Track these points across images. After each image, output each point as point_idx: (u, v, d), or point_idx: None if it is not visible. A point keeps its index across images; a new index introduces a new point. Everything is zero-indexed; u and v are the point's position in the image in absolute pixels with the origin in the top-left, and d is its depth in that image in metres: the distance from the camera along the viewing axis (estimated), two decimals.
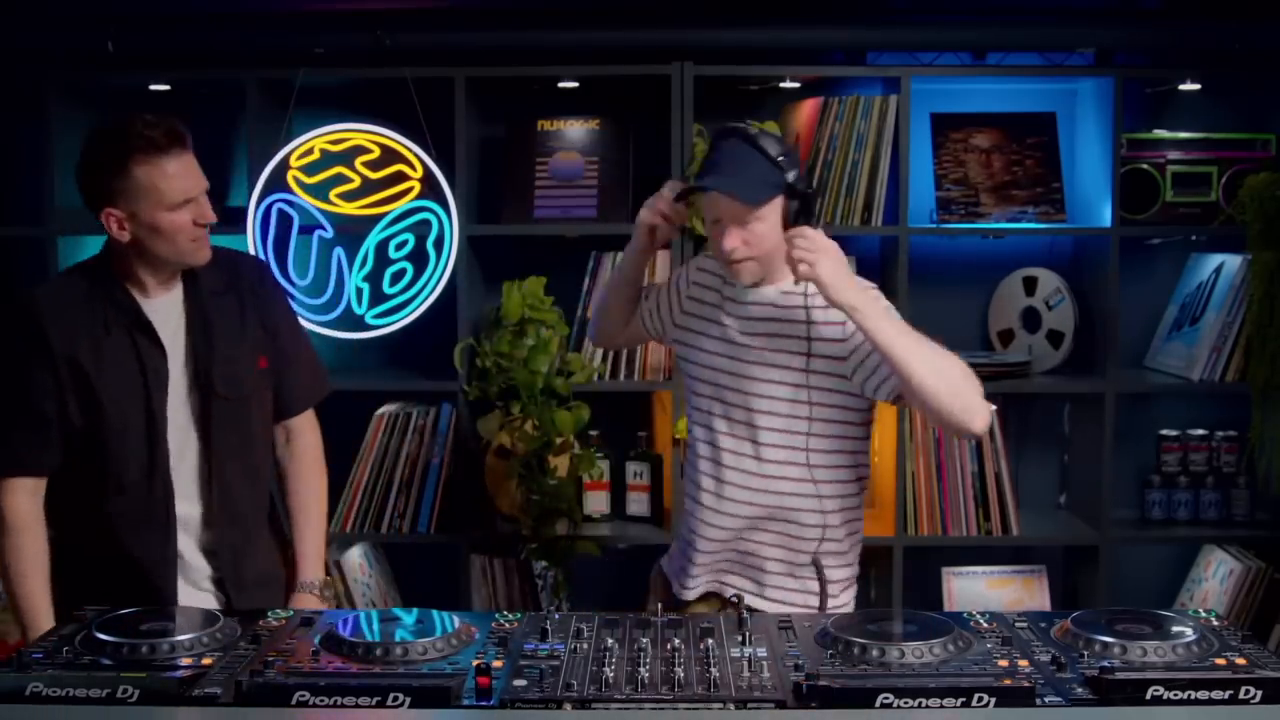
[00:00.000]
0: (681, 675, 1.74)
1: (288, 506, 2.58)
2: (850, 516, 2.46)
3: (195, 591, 2.42)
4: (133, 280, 2.35)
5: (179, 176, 2.27)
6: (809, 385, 2.34)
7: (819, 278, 2.18)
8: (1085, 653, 1.84)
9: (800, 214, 2.28)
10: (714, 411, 2.42)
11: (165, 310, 2.37)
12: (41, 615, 2.31)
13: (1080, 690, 1.71)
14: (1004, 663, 1.80)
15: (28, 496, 2.35)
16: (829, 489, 2.38)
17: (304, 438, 2.58)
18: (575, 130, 3.64)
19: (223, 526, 2.41)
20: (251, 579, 2.46)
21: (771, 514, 2.38)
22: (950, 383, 2.30)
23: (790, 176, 2.26)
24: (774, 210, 2.28)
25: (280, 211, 3.45)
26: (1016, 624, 1.99)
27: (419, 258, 3.46)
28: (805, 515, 2.38)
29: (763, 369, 2.36)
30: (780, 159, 2.26)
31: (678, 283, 2.55)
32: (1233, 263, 3.52)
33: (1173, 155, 3.54)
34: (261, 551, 2.51)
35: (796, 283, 2.25)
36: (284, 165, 3.44)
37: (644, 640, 1.88)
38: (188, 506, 2.39)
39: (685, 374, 2.52)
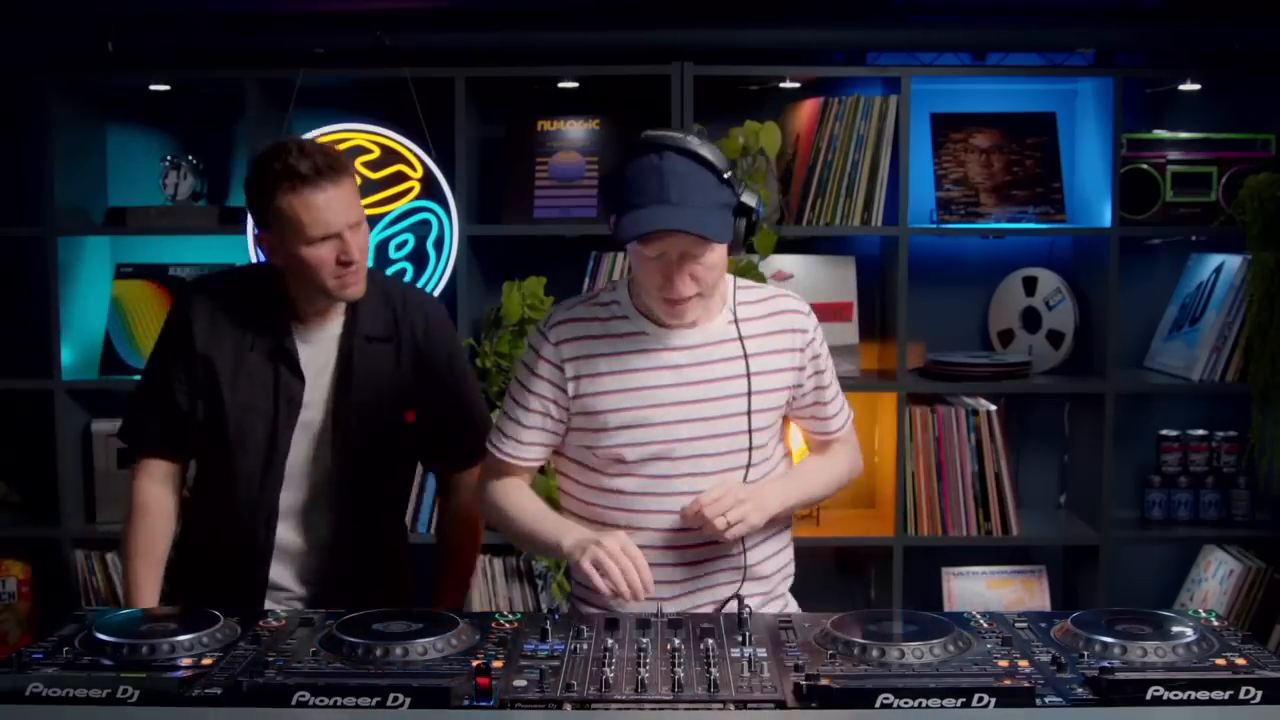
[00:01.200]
0: (682, 675, 1.74)
1: (436, 558, 2.50)
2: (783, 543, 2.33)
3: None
4: (293, 304, 2.29)
5: (320, 210, 2.17)
6: (751, 429, 2.15)
7: (759, 525, 2.09)
8: (1085, 653, 1.84)
9: (748, 231, 2.08)
10: (636, 457, 2.15)
11: (319, 343, 2.31)
12: (143, 598, 2.29)
13: (1080, 690, 1.71)
14: (1004, 663, 1.80)
15: (158, 482, 2.34)
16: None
17: (462, 495, 2.47)
18: (575, 130, 3.64)
19: (326, 583, 2.33)
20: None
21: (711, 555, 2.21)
22: (842, 482, 2.40)
23: (740, 193, 2.04)
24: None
25: None
26: (1016, 624, 1.99)
27: (419, 258, 3.46)
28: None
29: (702, 406, 2.14)
30: (727, 174, 2.01)
31: (542, 376, 2.15)
32: (1233, 263, 3.52)
33: (1173, 155, 3.54)
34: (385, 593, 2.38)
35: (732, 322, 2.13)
36: None
37: (644, 640, 1.88)
38: (285, 562, 2.33)
39: (580, 427, 2.17)
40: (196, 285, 2.42)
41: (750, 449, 2.16)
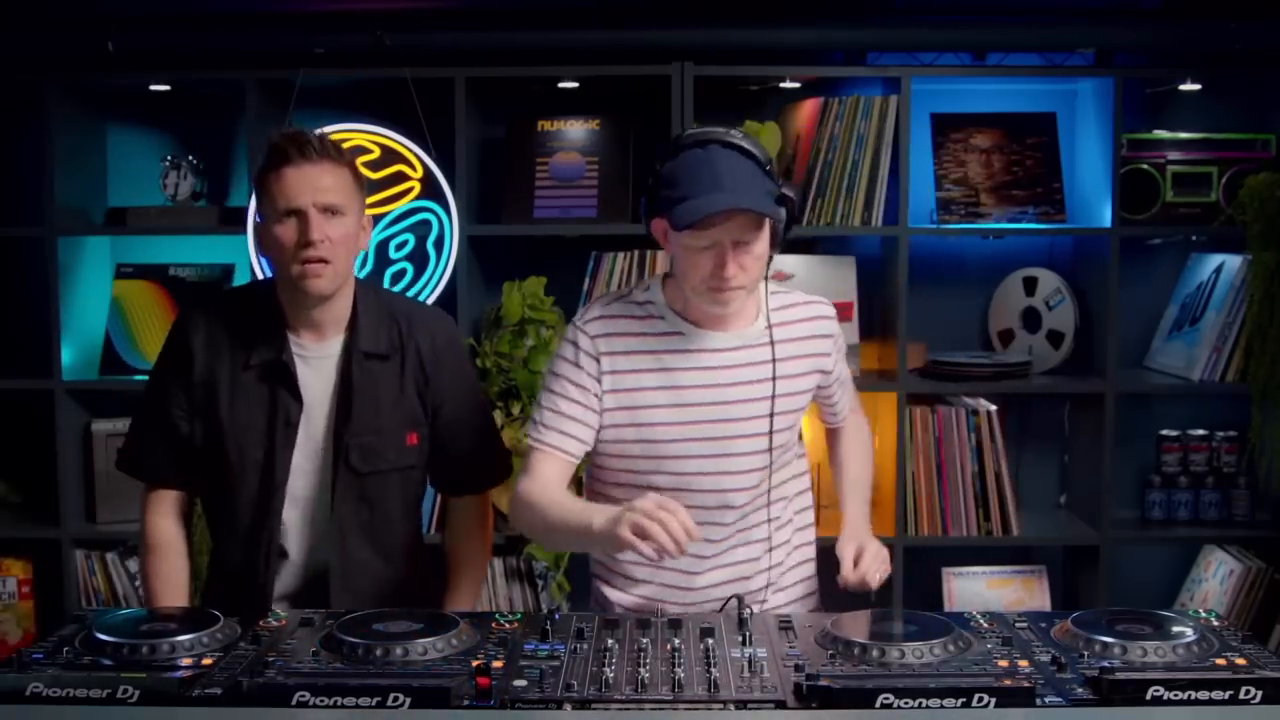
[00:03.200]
0: (682, 676, 1.74)
1: (446, 569, 2.45)
2: (802, 540, 2.41)
3: None
4: (291, 319, 2.24)
5: (288, 183, 2.13)
6: (772, 430, 2.20)
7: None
8: (1085, 653, 1.84)
9: (788, 225, 2.13)
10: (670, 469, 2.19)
11: (317, 359, 2.25)
12: None
13: (1080, 690, 1.71)
14: (1004, 663, 1.80)
15: (168, 515, 2.31)
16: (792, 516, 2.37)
17: (470, 511, 2.43)
18: (575, 130, 3.64)
19: (339, 595, 2.27)
20: None
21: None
22: (872, 454, 2.58)
23: (780, 184, 2.10)
24: (767, 229, 2.09)
25: None
26: (1016, 624, 1.99)
27: (419, 258, 3.46)
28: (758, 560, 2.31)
29: (730, 408, 2.18)
30: (769, 166, 2.08)
31: (582, 367, 2.16)
32: (1233, 263, 3.52)
33: (1173, 155, 3.54)
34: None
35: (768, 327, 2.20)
36: None
37: (644, 640, 1.88)
38: (293, 576, 2.30)
39: (612, 424, 2.18)
40: (195, 304, 2.35)
41: (771, 449, 2.21)
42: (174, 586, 2.29)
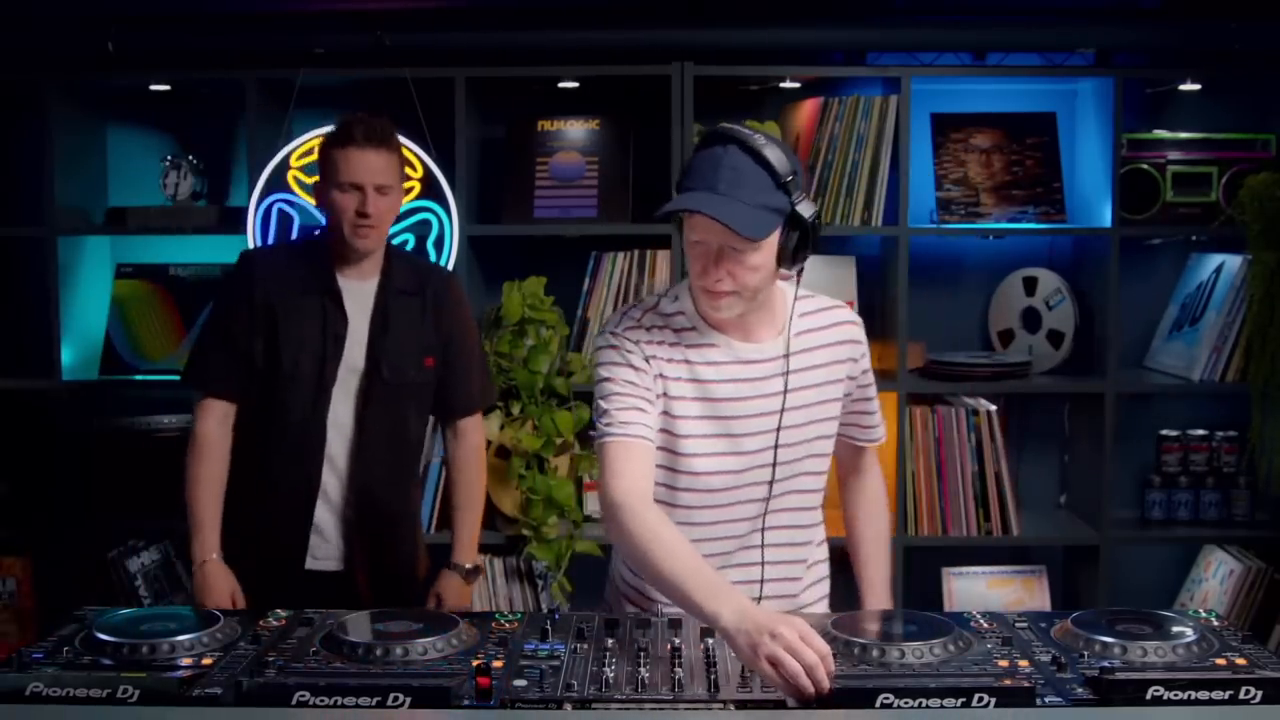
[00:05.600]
0: (681, 675, 1.74)
1: (450, 498, 2.89)
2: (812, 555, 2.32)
3: (321, 561, 2.69)
4: (336, 260, 2.67)
5: (352, 163, 2.58)
6: (777, 444, 2.14)
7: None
8: (1085, 653, 1.84)
9: (799, 249, 2.01)
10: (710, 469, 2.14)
11: (359, 292, 2.68)
12: (207, 528, 2.61)
13: (1080, 690, 1.71)
14: (1004, 663, 1.80)
15: (218, 422, 2.66)
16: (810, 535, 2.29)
17: (468, 438, 2.86)
18: (575, 130, 3.64)
19: (359, 503, 2.67)
20: (385, 567, 2.72)
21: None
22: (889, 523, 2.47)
23: (796, 201, 1.97)
24: (773, 240, 1.99)
25: (280, 212, 3.45)
26: (1016, 624, 1.99)
27: (419, 257, 3.46)
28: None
29: (759, 420, 2.14)
30: (788, 178, 1.96)
31: (638, 367, 2.09)
32: (1233, 263, 3.52)
33: (1173, 155, 3.54)
34: (399, 544, 2.78)
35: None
36: (284, 165, 3.44)
37: (644, 640, 1.88)
38: (331, 476, 2.66)
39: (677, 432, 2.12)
40: (251, 251, 2.86)
41: (775, 464, 2.14)
42: (214, 480, 2.64)
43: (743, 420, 2.12)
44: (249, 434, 2.69)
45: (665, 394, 2.10)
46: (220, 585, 2.57)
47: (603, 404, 2.08)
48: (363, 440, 2.67)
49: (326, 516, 2.68)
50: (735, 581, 2.09)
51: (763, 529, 2.18)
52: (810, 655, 1.68)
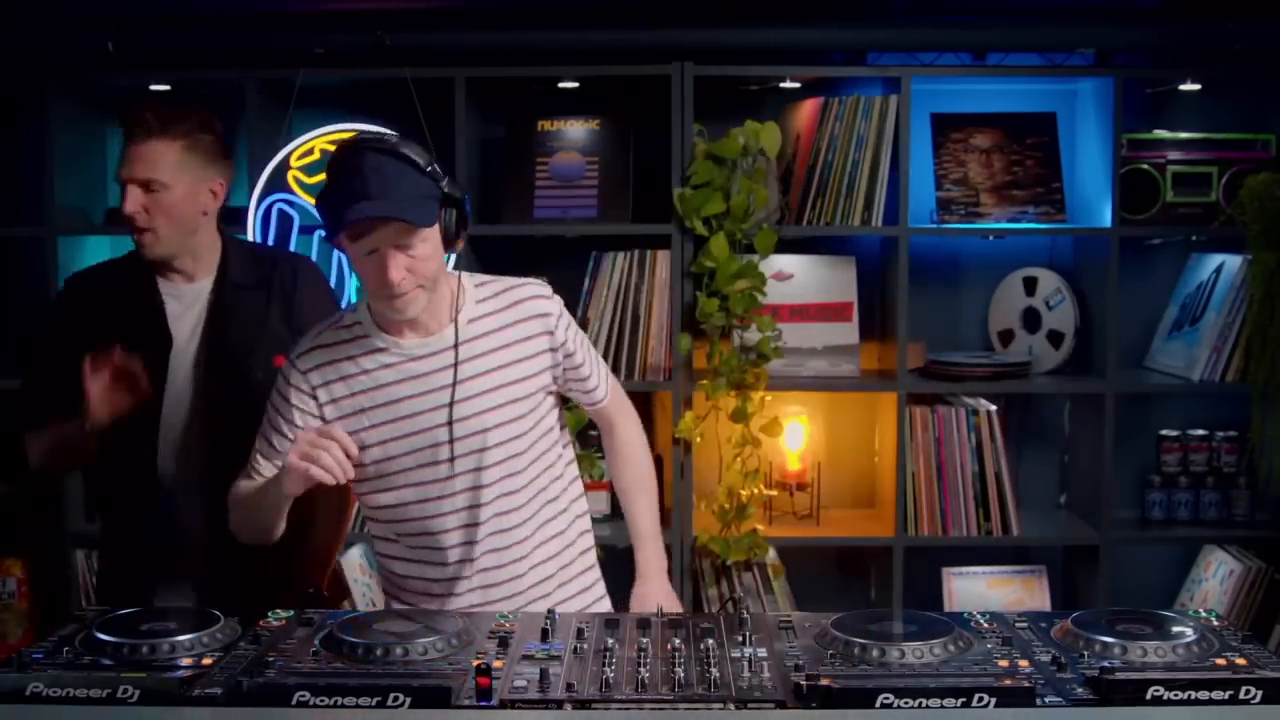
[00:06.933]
0: (682, 675, 1.74)
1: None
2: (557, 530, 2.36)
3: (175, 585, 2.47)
4: (160, 266, 2.47)
5: (125, 159, 2.37)
6: (452, 439, 2.19)
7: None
8: (1085, 653, 1.84)
9: (459, 224, 2.15)
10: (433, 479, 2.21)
11: (189, 296, 2.47)
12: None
13: (1080, 690, 1.71)
14: (1004, 663, 1.80)
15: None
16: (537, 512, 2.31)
17: None
18: (575, 130, 3.64)
19: (210, 509, 2.40)
20: (236, 570, 2.40)
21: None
22: (650, 468, 2.49)
23: (445, 184, 2.10)
24: (435, 228, 2.11)
25: (280, 212, 3.45)
26: (1017, 624, 1.99)
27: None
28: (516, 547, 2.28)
29: (444, 411, 2.19)
30: (430, 168, 2.08)
31: (295, 405, 2.20)
32: (1233, 263, 3.52)
33: (1173, 155, 3.54)
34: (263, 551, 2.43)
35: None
36: (284, 165, 3.44)
37: (644, 640, 1.88)
38: (193, 512, 2.45)
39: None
40: (69, 279, 2.61)
41: (452, 454, 2.19)
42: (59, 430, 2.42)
43: (415, 418, 2.18)
44: (95, 483, 2.54)
45: (348, 414, 2.18)
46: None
47: (259, 446, 2.25)
48: (216, 461, 2.40)
49: (197, 558, 2.46)
50: (473, 588, 2.23)
51: (477, 524, 2.21)
52: (325, 440, 1.99)
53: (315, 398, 2.20)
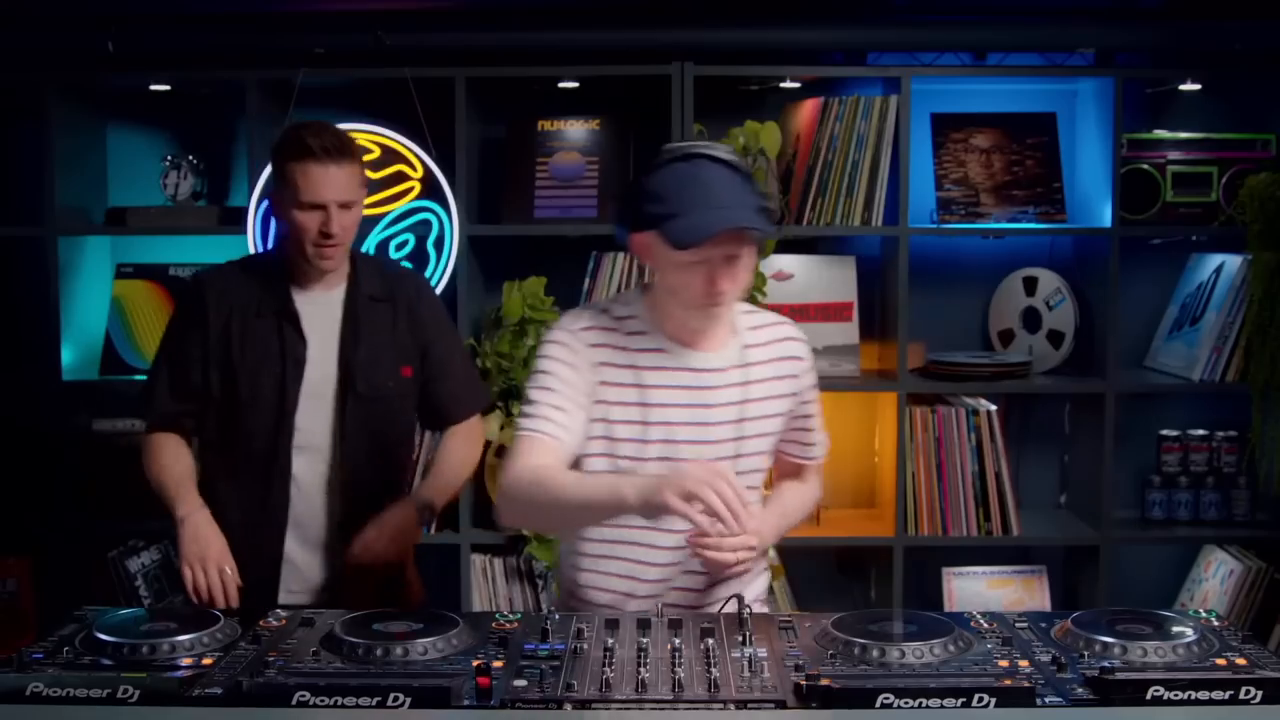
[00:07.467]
0: (682, 675, 1.74)
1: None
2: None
3: (295, 595, 2.54)
4: (295, 275, 2.54)
5: (315, 181, 2.42)
6: (739, 454, 2.18)
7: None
8: (1085, 653, 1.84)
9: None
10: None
11: (322, 305, 2.55)
12: (184, 488, 2.47)
13: (1080, 690, 1.71)
14: (1004, 663, 1.80)
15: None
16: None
17: (457, 434, 2.71)
18: (575, 130, 3.64)
19: (342, 530, 2.51)
20: (373, 589, 2.48)
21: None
22: (811, 512, 2.48)
23: (766, 199, 2.10)
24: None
25: None
26: (1017, 624, 1.99)
27: (419, 258, 3.46)
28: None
29: (706, 429, 2.16)
30: (754, 182, 2.09)
31: (576, 367, 2.14)
32: (1233, 263, 3.52)
33: (1173, 155, 3.54)
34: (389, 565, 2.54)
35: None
36: None
37: (644, 640, 1.88)
38: (302, 504, 2.53)
39: (592, 435, 2.15)
40: (202, 274, 2.66)
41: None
42: (179, 464, 2.51)
43: (680, 428, 2.15)
44: (210, 467, 2.56)
45: (604, 400, 2.14)
46: (210, 537, 2.39)
47: (532, 394, 2.13)
48: (341, 461, 2.53)
49: (298, 549, 2.54)
50: (676, 589, 2.20)
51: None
52: (722, 485, 1.85)
53: (594, 372, 2.14)
